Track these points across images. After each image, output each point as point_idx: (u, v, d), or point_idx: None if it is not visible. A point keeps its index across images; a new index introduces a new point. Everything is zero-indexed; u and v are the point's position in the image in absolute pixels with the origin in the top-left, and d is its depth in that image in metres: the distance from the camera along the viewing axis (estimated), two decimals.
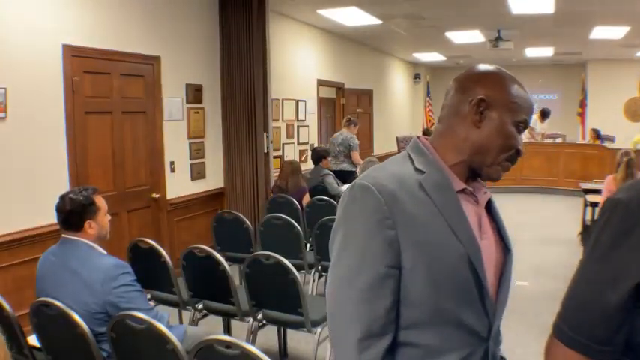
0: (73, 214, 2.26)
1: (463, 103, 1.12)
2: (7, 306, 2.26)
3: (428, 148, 1.14)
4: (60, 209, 2.28)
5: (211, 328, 3.20)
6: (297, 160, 7.14)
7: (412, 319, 1.05)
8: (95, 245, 2.30)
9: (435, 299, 1.04)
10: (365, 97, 9.99)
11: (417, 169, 1.09)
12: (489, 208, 1.21)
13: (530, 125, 9.97)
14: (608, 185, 5.26)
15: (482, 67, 1.17)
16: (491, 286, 1.11)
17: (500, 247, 1.17)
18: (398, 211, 1.02)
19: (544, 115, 9.93)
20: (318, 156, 5.89)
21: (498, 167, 1.13)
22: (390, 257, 1.02)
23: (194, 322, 3.16)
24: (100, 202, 2.34)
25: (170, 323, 2.37)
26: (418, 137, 1.19)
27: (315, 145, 7.88)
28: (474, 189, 1.16)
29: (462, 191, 1.12)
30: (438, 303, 1.04)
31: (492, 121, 1.10)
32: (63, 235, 2.30)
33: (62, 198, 2.30)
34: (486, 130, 1.10)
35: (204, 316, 3.22)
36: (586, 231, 6.24)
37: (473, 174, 1.15)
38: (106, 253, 2.31)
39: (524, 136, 9.74)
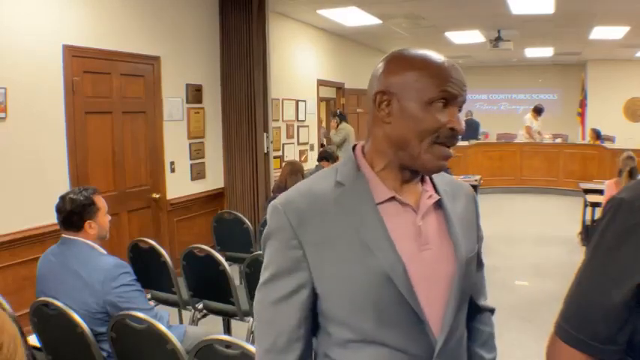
0: (73, 214, 2.26)
1: (370, 102, 1.07)
2: (7, 306, 2.26)
3: (358, 157, 1.07)
4: (60, 209, 2.28)
5: (211, 328, 3.20)
6: (298, 160, 7.15)
7: (343, 337, 1.01)
8: (95, 245, 2.30)
9: (353, 319, 0.99)
10: (365, 97, 9.98)
11: (337, 183, 1.03)
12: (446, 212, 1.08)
13: (527, 124, 9.91)
14: (609, 191, 5.23)
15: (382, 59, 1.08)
16: (438, 303, 1.01)
17: (455, 256, 1.06)
18: (305, 230, 0.99)
19: (538, 111, 9.89)
20: (320, 156, 5.90)
21: (429, 155, 1.00)
22: (298, 276, 1.00)
23: (194, 322, 3.16)
24: (100, 202, 2.35)
25: (170, 323, 2.38)
26: (355, 145, 1.12)
27: (315, 145, 7.89)
28: (412, 194, 1.06)
29: (392, 199, 1.03)
30: (358, 323, 0.99)
31: (399, 110, 1.00)
32: (63, 235, 2.31)
33: (62, 198, 2.30)
34: (397, 122, 1.01)
35: (204, 316, 3.23)
36: (586, 231, 6.24)
37: (412, 173, 1.05)
38: (106, 252, 2.31)
39: (523, 136, 9.59)
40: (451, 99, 1.00)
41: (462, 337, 1.10)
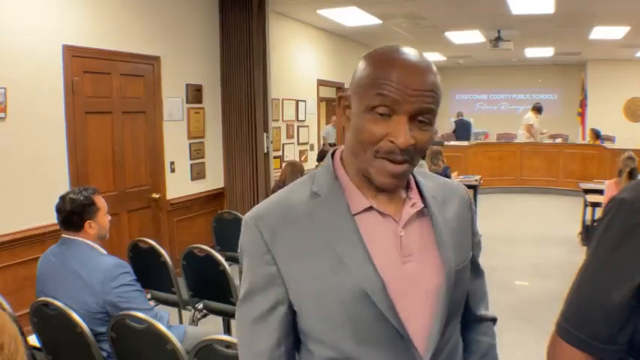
0: (74, 214, 2.26)
1: None
2: (7, 306, 2.26)
3: (335, 164, 1.00)
4: (60, 209, 2.28)
5: (211, 328, 3.20)
6: (298, 160, 7.15)
7: (323, 355, 0.96)
8: (95, 245, 2.30)
9: (331, 337, 0.94)
10: None
11: (312, 193, 0.97)
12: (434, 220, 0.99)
13: (530, 123, 9.92)
14: (609, 191, 5.23)
15: None
16: (423, 317, 0.94)
17: (442, 267, 0.97)
18: (278, 244, 0.94)
19: (539, 110, 9.91)
20: (320, 157, 5.90)
21: (374, 169, 0.92)
22: (274, 293, 0.95)
23: (194, 322, 3.16)
24: (100, 202, 2.35)
25: (170, 323, 2.38)
26: (335, 150, 1.04)
27: (315, 145, 7.89)
28: (394, 203, 0.97)
29: (371, 208, 0.95)
30: (336, 341, 0.93)
31: (352, 117, 0.94)
32: (63, 235, 2.31)
33: (62, 198, 2.30)
34: (350, 129, 0.95)
35: (204, 316, 3.22)
36: (586, 231, 6.24)
37: None
38: (105, 252, 2.31)
39: (524, 135, 9.59)
40: (395, 106, 0.88)
41: (454, 352, 1.02)
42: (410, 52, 0.92)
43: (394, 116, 0.89)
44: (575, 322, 0.88)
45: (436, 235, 0.98)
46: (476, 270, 1.12)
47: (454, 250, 0.99)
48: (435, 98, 0.90)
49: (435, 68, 0.92)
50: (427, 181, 1.04)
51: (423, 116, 0.90)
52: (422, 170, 1.08)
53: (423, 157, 4.53)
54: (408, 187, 1.00)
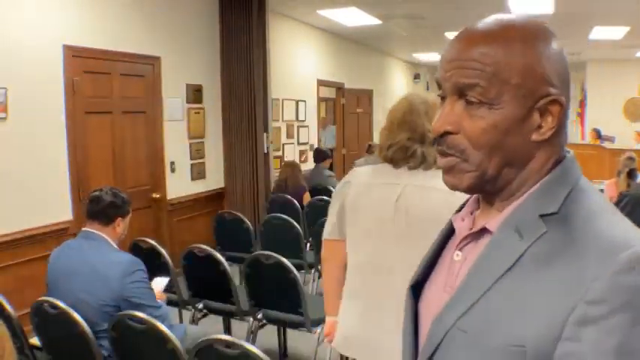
0: (112, 205, 2.32)
1: None
2: (7, 306, 2.26)
3: None
4: (98, 199, 2.33)
5: (211, 328, 3.21)
6: (298, 160, 7.16)
7: None
8: (112, 242, 2.35)
9: None
10: (365, 97, 9.98)
11: None
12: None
13: None
14: (609, 191, 5.22)
15: None
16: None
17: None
18: None
19: None
20: (322, 155, 5.89)
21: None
22: None
23: (194, 321, 3.17)
24: (131, 208, 2.45)
25: (170, 323, 2.39)
26: None
27: (315, 145, 7.89)
28: (487, 214, 0.77)
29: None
30: None
31: None
32: (84, 229, 2.35)
33: (101, 190, 2.38)
34: None
35: (205, 315, 3.23)
36: None
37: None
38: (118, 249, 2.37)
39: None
40: (443, 85, 0.75)
41: None
42: (476, 22, 0.76)
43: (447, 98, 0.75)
44: None
45: (470, 271, 0.72)
46: None
47: (498, 309, 0.66)
48: (481, 70, 0.70)
49: (498, 36, 0.73)
50: (574, 203, 0.71)
51: (468, 95, 0.71)
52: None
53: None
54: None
